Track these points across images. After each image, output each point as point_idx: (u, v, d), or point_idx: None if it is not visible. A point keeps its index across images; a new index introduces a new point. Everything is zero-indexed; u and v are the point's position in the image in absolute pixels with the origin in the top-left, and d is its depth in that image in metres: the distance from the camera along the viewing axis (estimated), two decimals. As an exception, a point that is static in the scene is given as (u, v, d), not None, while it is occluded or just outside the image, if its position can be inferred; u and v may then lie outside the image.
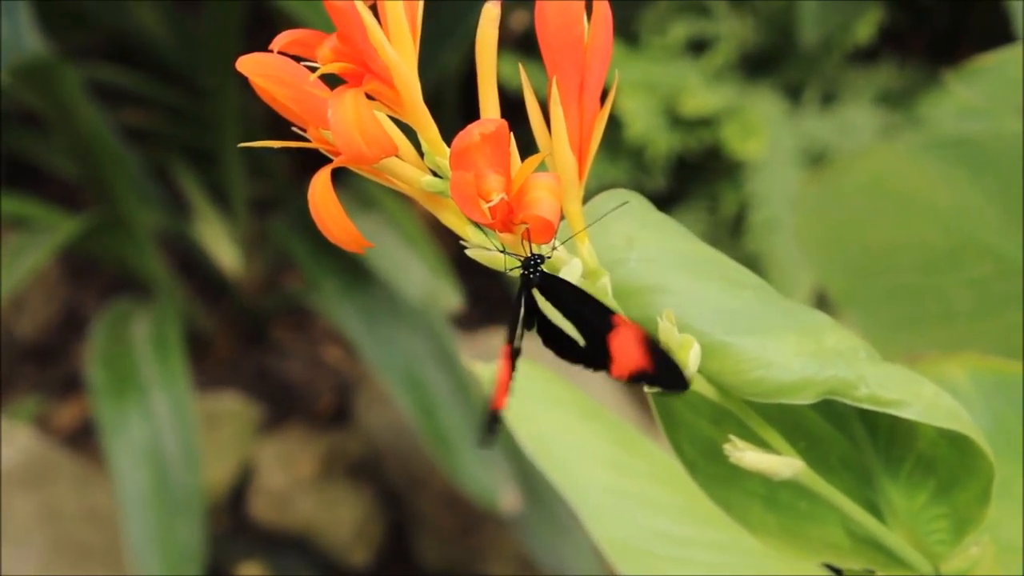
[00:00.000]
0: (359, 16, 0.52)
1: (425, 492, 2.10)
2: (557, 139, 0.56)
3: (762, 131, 2.17)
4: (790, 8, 2.26)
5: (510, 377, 0.57)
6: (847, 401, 0.59)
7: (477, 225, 0.56)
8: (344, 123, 0.51)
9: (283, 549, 2.12)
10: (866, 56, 2.36)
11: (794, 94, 2.31)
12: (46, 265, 2.32)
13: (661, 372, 0.56)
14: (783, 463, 0.62)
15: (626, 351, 0.56)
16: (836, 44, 2.28)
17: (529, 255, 0.56)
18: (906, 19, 2.42)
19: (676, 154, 2.23)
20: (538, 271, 0.56)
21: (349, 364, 2.31)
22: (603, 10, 0.55)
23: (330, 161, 0.55)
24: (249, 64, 0.55)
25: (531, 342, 0.59)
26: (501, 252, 0.56)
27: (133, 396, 1.86)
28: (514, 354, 0.58)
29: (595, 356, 0.57)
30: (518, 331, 0.58)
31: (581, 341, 0.57)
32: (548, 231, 0.53)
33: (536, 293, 0.57)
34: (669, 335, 0.58)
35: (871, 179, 1.28)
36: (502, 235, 0.55)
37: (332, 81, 0.54)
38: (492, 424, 0.57)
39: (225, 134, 2.22)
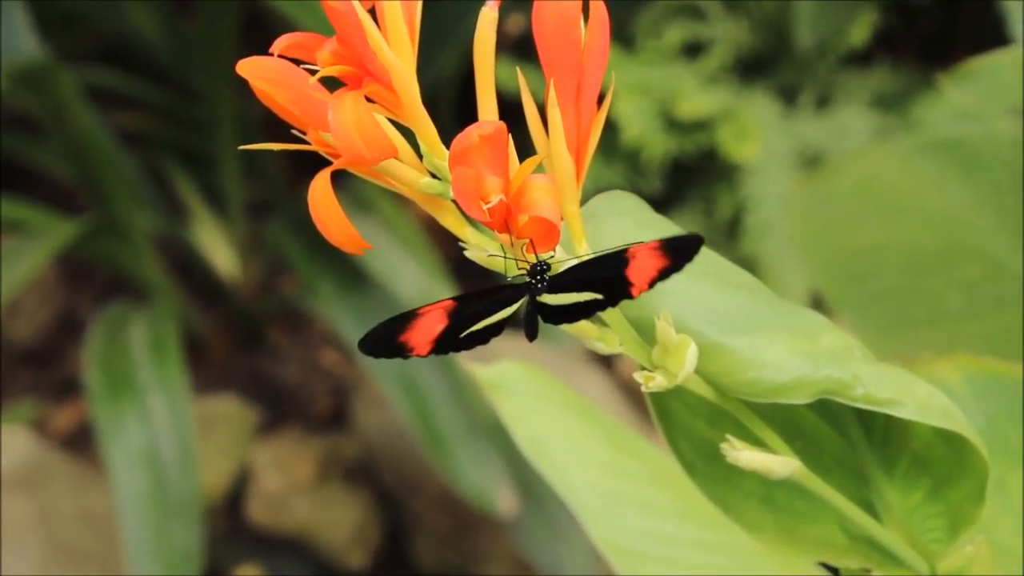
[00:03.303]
0: (358, 19, 0.52)
1: (422, 494, 2.10)
2: (555, 141, 0.56)
3: (757, 134, 2.17)
4: (785, 11, 2.27)
5: (442, 336, 0.57)
6: (843, 401, 0.60)
7: (476, 226, 0.57)
8: (344, 125, 0.52)
9: (280, 552, 2.12)
10: (860, 59, 2.37)
11: (789, 97, 2.31)
12: (42, 269, 2.32)
13: (679, 253, 0.55)
14: (780, 462, 0.62)
15: (644, 268, 0.55)
16: (830, 47, 2.29)
17: (536, 263, 0.56)
18: (899, 22, 2.42)
19: (671, 157, 2.23)
20: (546, 280, 0.56)
21: (345, 367, 2.31)
22: (600, 13, 0.56)
23: (329, 163, 0.55)
24: (249, 67, 0.55)
25: (529, 346, 0.59)
26: (503, 256, 0.56)
27: (130, 399, 1.86)
28: (468, 337, 0.58)
29: (613, 296, 0.56)
30: (485, 321, 0.57)
31: (599, 297, 0.56)
32: (552, 233, 0.53)
33: (547, 297, 0.57)
34: (666, 335, 0.58)
35: (862, 181, 1.29)
36: (500, 236, 0.55)
37: (332, 84, 0.54)
38: (389, 345, 0.57)
39: (221, 137, 2.22)
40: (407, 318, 0.57)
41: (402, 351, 0.57)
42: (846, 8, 2.23)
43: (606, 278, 0.56)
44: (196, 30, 2.23)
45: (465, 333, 0.58)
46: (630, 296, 0.56)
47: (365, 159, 0.53)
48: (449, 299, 0.57)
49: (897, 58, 2.41)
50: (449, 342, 0.58)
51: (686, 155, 2.24)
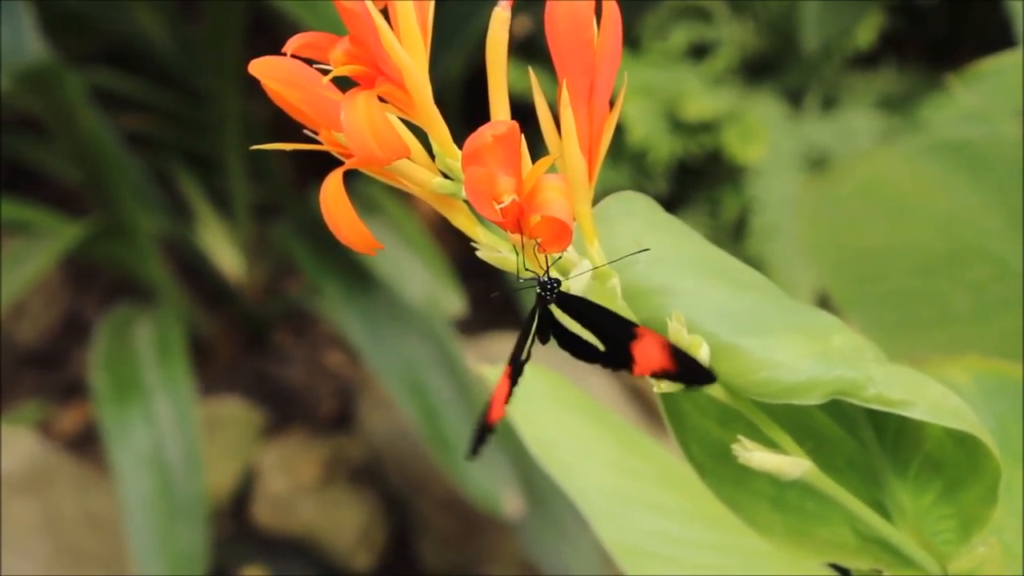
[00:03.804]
0: (371, 19, 0.52)
1: (427, 496, 2.10)
2: (567, 141, 0.56)
3: (763, 136, 2.17)
4: (791, 13, 2.27)
5: (509, 393, 0.58)
6: (855, 401, 0.60)
7: (487, 226, 0.57)
8: (357, 125, 0.52)
9: (285, 554, 2.12)
10: (866, 61, 2.37)
11: (795, 99, 2.31)
12: (48, 271, 2.32)
13: (686, 372, 0.57)
14: (791, 463, 0.62)
15: (649, 355, 0.56)
16: (837, 49, 2.29)
17: (545, 278, 0.56)
18: (905, 24, 2.42)
19: (677, 159, 2.23)
20: (554, 293, 0.57)
21: (351, 369, 2.31)
22: (613, 13, 0.56)
23: (338, 164, 0.55)
24: (261, 67, 0.55)
25: (535, 347, 0.59)
26: (516, 253, 0.56)
27: (136, 401, 1.86)
28: (517, 370, 0.58)
29: (615, 359, 0.57)
30: (526, 348, 0.58)
31: (601, 347, 0.57)
32: (564, 234, 0.53)
33: (554, 308, 0.57)
34: (678, 336, 0.58)
35: (870, 183, 1.28)
36: (512, 236, 0.55)
37: (344, 84, 0.54)
38: (483, 435, 0.58)
39: (226, 139, 2.22)
40: (487, 408, 0.58)
41: (492, 430, 0.58)
42: (852, 10, 2.23)
43: (610, 336, 0.57)
44: (201, 32, 2.23)
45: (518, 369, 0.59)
46: (631, 372, 0.57)
47: (378, 159, 0.53)
48: (505, 367, 0.58)
49: (903, 60, 2.41)
50: (513, 387, 0.59)
51: (692, 156, 2.24)
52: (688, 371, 0.57)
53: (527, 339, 0.58)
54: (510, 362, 0.58)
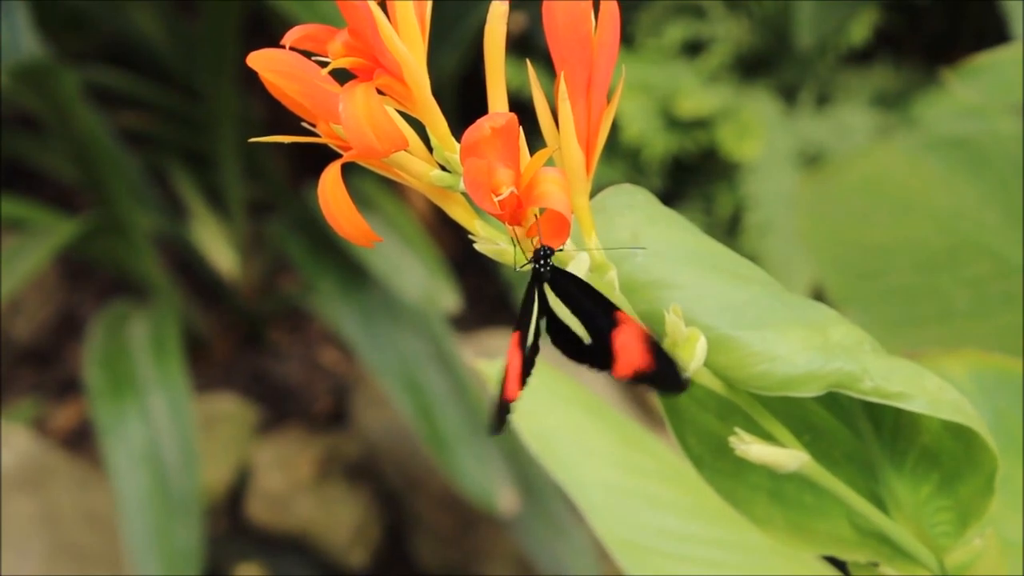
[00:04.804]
0: (370, 11, 0.52)
1: (423, 493, 2.10)
2: (565, 134, 0.56)
3: (758, 132, 2.17)
4: (785, 10, 2.27)
5: (522, 368, 0.57)
6: (852, 394, 0.60)
7: (485, 218, 0.57)
8: (355, 117, 0.52)
9: (281, 551, 2.12)
10: (861, 57, 2.37)
11: (789, 95, 2.31)
12: (43, 268, 2.32)
13: (660, 373, 0.56)
14: (788, 456, 0.62)
15: (628, 350, 0.56)
16: (831, 46, 2.29)
17: (539, 247, 0.56)
18: (901, 21, 2.42)
19: (672, 155, 2.23)
20: (549, 264, 0.56)
21: (346, 366, 2.31)
22: (611, 8, 0.56)
23: (339, 156, 0.55)
24: (260, 60, 0.55)
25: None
26: (513, 245, 0.56)
27: (131, 398, 1.86)
28: (529, 349, 0.58)
29: (599, 355, 0.57)
30: (531, 326, 0.58)
31: (587, 339, 0.57)
32: (563, 226, 0.53)
33: (547, 289, 0.57)
34: (676, 329, 0.58)
35: (869, 179, 1.29)
36: (510, 228, 0.55)
37: (342, 76, 0.54)
38: (502, 414, 0.57)
39: (222, 137, 2.22)
40: (503, 381, 0.57)
41: (510, 408, 0.58)
42: (846, 7, 2.23)
43: (594, 322, 0.57)
44: (198, 30, 2.23)
45: (530, 349, 0.58)
46: (613, 372, 0.56)
47: (376, 151, 0.53)
48: (513, 333, 0.58)
49: (898, 56, 2.41)
50: (527, 372, 0.58)
51: (687, 153, 2.24)
52: (663, 372, 0.56)
53: (528, 313, 0.58)
54: (516, 328, 0.58)
